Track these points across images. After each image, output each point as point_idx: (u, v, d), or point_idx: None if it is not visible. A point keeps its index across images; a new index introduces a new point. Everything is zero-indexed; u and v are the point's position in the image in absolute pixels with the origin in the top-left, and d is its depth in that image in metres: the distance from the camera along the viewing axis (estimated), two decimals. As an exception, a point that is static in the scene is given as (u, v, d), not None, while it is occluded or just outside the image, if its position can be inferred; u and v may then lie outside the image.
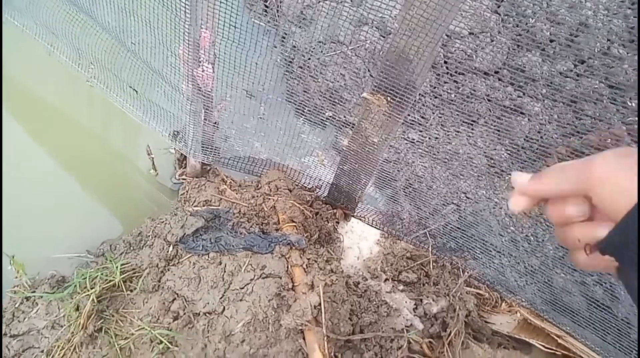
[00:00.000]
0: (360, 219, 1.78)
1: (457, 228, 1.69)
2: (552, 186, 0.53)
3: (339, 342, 1.34)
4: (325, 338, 1.30)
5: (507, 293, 1.67)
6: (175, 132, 1.74)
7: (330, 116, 2.04)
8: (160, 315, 1.39)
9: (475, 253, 1.68)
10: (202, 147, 1.69)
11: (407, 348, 1.42)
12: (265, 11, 2.41)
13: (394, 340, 1.43)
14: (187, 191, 1.74)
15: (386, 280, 1.62)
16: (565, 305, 1.56)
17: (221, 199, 1.69)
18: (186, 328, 1.38)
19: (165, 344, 1.34)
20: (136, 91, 1.71)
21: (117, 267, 1.45)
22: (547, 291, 1.61)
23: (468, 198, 1.87)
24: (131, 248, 1.59)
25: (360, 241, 1.76)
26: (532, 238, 1.75)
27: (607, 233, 0.48)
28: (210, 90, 1.51)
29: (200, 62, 1.39)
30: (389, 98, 1.20)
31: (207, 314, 1.40)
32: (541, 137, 1.84)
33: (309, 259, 1.51)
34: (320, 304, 1.34)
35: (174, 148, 1.83)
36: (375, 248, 1.76)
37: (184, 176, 1.83)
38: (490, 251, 1.65)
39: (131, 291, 1.46)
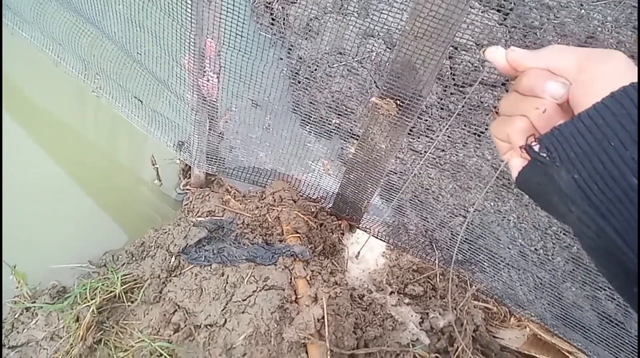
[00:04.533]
0: (366, 231, 1.75)
1: (465, 240, 1.66)
2: (548, 59, 0.48)
3: (342, 357, 1.31)
4: (329, 352, 1.26)
5: (516, 308, 1.63)
6: (180, 143, 1.74)
7: (336, 126, 2.03)
8: (160, 327, 1.37)
9: (483, 266, 1.65)
10: (207, 157, 1.68)
11: (413, 363, 1.38)
12: (272, 23, 2.42)
13: (399, 355, 1.39)
14: (191, 202, 1.73)
15: (392, 293, 1.59)
16: (577, 320, 1.52)
17: (225, 209, 1.67)
18: (187, 341, 1.35)
19: (165, 357, 1.31)
20: (141, 101, 1.71)
21: (118, 278, 1.43)
22: (557, 306, 1.57)
23: (476, 209, 1.84)
24: (133, 258, 1.58)
25: (365, 253, 1.73)
26: (541, 251, 1.71)
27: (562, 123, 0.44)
28: (215, 100, 1.50)
29: (205, 71, 1.39)
30: (398, 102, 1.19)
31: (208, 326, 1.37)
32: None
33: (312, 271, 1.48)
34: (323, 317, 1.31)
35: (179, 158, 1.83)
36: (381, 260, 1.72)
37: (188, 187, 1.82)
38: (499, 264, 1.61)
39: (132, 302, 1.44)
